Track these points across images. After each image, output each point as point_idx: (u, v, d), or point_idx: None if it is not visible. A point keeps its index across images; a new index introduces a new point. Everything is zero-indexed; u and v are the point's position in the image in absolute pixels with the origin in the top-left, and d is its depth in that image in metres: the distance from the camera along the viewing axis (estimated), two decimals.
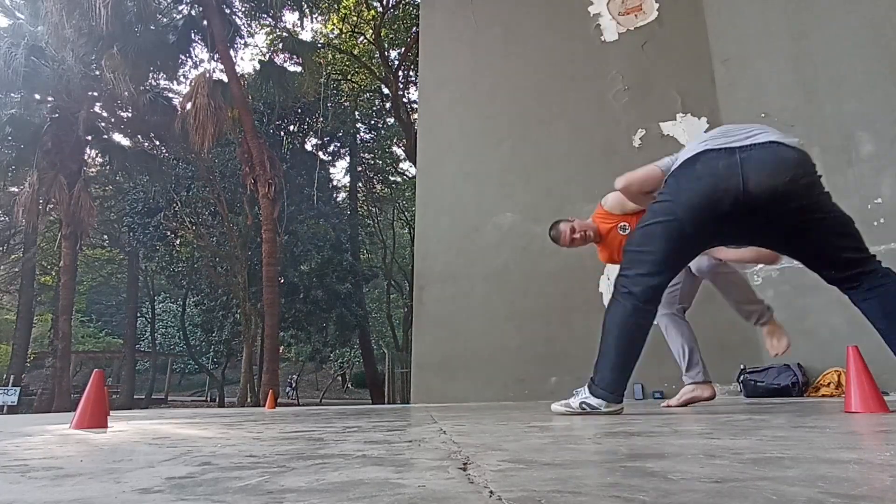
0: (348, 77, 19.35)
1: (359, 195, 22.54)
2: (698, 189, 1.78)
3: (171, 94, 16.15)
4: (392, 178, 23.81)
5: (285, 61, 16.31)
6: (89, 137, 14.65)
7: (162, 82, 16.28)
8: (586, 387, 2.08)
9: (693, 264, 3.03)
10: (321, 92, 15.36)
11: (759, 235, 1.92)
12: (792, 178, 1.74)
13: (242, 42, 16.59)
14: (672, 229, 1.86)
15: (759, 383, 4.32)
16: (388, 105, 19.72)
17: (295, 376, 26.16)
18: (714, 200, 1.76)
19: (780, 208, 1.76)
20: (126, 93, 12.05)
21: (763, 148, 1.76)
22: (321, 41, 17.91)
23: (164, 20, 14.27)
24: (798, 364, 4.25)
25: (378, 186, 23.78)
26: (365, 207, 23.03)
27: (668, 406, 3.13)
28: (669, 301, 3.20)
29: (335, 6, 17.06)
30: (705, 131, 2.15)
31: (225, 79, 13.03)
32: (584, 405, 2.06)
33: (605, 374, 1.99)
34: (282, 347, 17.45)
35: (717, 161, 1.77)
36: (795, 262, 4.81)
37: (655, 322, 3.30)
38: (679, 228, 1.85)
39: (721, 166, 1.75)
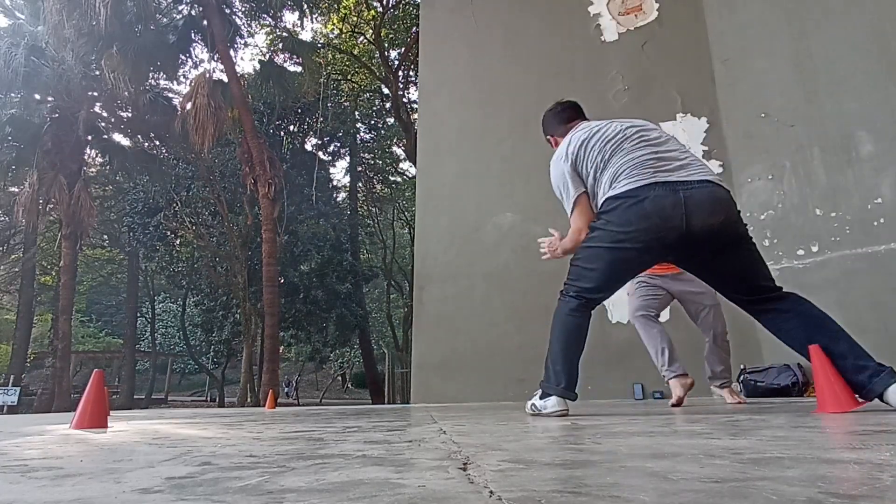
0: (348, 77, 19.35)
1: (359, 195, 22.54)
2: (647, 226, 1.96)
3: (171, 94, 16.16)
4: (392, 178, 23.82)
5: (285, 61, 16.31)
6: (89, 137, 14.65)
7: (162, 82, 16.28)
8: (541, 385, 2.21)
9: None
10: (321, 92, 15.36)
11: (693, 263, 2.15)
12: (726, 217, 1.96)
13: (242, 42, 16.60)
14: (617, 256, 2.05)
15: (759, 383, 4.32)
16: (388, 105, 19.73)
17: (296, 376, 26.16)
18: (661, 237, 1.96)
19: (715, 242, 1.98)
20: (126, 93, 12.06)
21: (702, 187, 1.95)
22: (321, 41, 17.91)
23: (164, 20, 14.27)
24: (798, 364, 4.26)
25: (378, 186, 23.79)
26: (365, 207, 23.03)
27: (677, 405, 3.15)
28: (647, 305, 3.40)
29: (335, 6, 17.06)
30: (625, 134, 2.19)
31: (225, 79, 13.03)
32: (533, 406, 2.22)
33: (550, 369, 2.16)
34: (282, 347, 17.45)
35: (664, 199, 1.94)
36: (796, 262, 4.79)
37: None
38: (624, 256, 2.05)
39: (668, 205, 1.93)
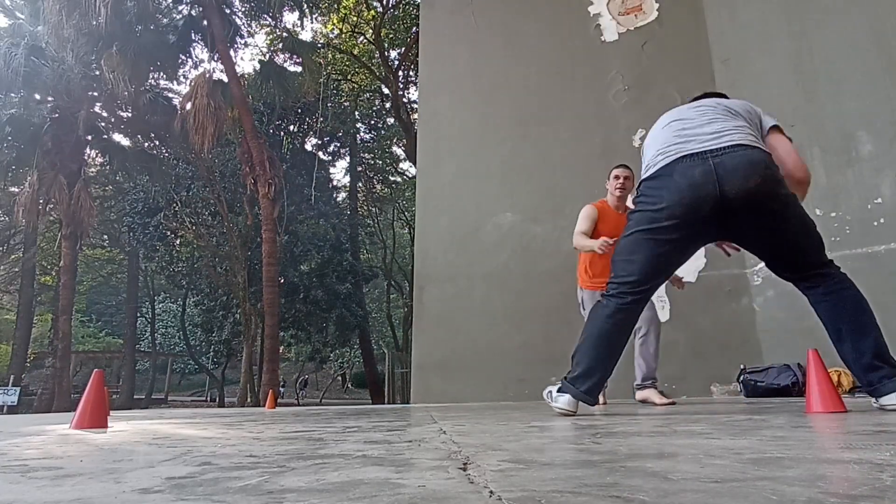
0: (348, 77, 19.34)
1: (359, 195, 22.54)
2: (680, 198, 1.87)
3: (171, 94, 16.16)
4: (392, 178, 23.82)
5: (285, 61, 16.30)
6: (89, 137, 14.65)
7: (162, 82, 16.28)
8: (562, 380, 2.14)
9: None
10: (321, 92, 15.35)
11: (736, 234, 2.02)
12: (763, 179, 1.83)
13: (242, 42, 16.60)
14: (657, 238, 1.95)
15: (759, 383, 4.32)
16: (388, 105, 19.72)
17: (295, 376, 26.14)
18: (695, 207, 1.86)
19: (756, 208, 1.86)
20: (126, 93, 12.06)
21: (734, 152, 1.85)
22: (321, 41, 17.90)
23: (164, 20, 14.27)
24: (798, 364, 4.25)
25: (378, 186, 23.79)
26: (365, 207, 23.03)
27: (663, 404, 3.25)
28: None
29: (335, 6, 17.05)
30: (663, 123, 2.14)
31: (225, 79, 13.03)
32: (549, 393, 2.18)
33: (578, 368, 2.07)
34: (282, 347, 17.45)
35: (693, 169, 1.86)
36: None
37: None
38: (665, 237, 1.94)
39: (698, 174, 1.85)
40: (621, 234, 2.19)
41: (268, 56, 16.81)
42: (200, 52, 15.29)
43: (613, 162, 5.87)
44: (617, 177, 3.54)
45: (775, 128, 2.08)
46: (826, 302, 1.93)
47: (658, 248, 1.97)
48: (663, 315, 5.18)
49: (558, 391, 2.13)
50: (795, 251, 1.93)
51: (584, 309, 3.58)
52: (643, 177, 2.06)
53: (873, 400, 1.90)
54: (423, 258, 6.67)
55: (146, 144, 16.84)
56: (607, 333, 2.03)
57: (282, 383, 24.58)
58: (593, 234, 3.41)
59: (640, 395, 3.49)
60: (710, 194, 1.82)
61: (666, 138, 2.02)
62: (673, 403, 3.29)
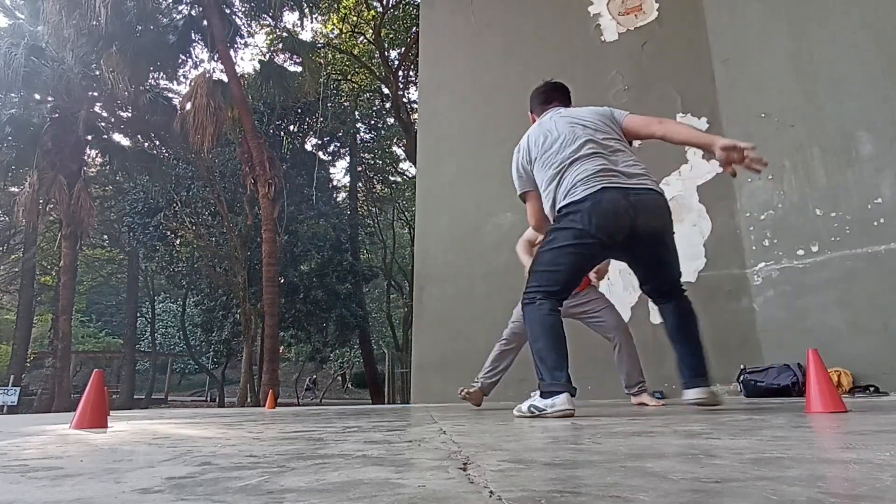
0: (348, 77, 19.34)
1: (359, 195, 22.53)
2: (605, 223, 2.21)
3: (171, 94, 16.17)
4: (392, 178, 23.82)
5: (285, 61, 16.31)
6: (89, 137, 14.65)
7: (162, 82, 16.29)
8: (538, 390, 2.28)
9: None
10: (321, 92, 15.36)
11: (630, 254, 2.44)
12: (663, 222, 2.31)
13: (242, 42, 16.60)
14: (581, 252, 2.29)
15: (759, 383, 4.32)
16: (388, 105, 19.72)
17: (295, 376, 26.13)
18: (613, 233, 2.22)
19: (652, 239, 2.31)
20: (126, 93, 12.06)
21: (648, 194, 2.26)
22: (321, 41, 17.90)
23: (164, 20, 14.27)
24: (798, 364, 4.25)
25: (378, 186, 23.78)
26: (365, 207, 23.02)
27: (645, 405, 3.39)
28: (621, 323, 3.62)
29: (335, 6, 17.05)
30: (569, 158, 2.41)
31: (225, 79, 13.03)
32: (532, 408, 2.23)
33: (546, 370, 2.24)
34: (282, 347, 17.44)
35: (619, 202, 2.20)
36: (796, 262, 4.80)
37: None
38: (587, 252, 2.30)
39: (622, 207, 2.20)
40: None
41: (268, 56, 16.82)
42: (200, 52, 15.31)
43: None
44: None
45: (627, 117, 2.54)
46: (676, 314, 2.43)
47: (580, 260, 2.32)
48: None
49: (544, 397, 2.20)
50: (668, 273, 2.41)
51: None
52: (565, 199, 2.30)
53: (683, 393, 2.40)
54: (423, 258, 6.67)
55: (146, 144, 16.84)
56: (556, 324, 2.29)
57: (312, 381, 24.44)
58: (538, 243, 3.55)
59: (634, 400, 3.58)
60: (626, 225, 2.21)
61: (588, 164, 2.30)
62: (664, 405, 3.34)
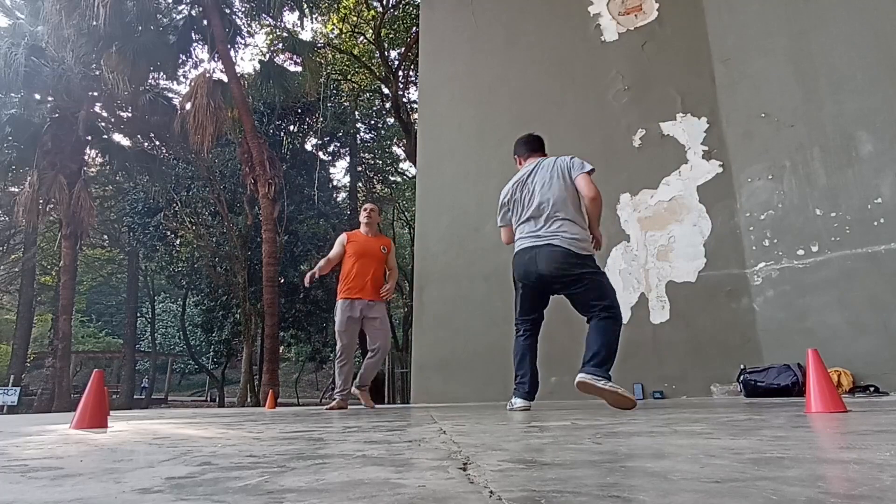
0: (348, 77, 19.33)
1: (359, 195, 22.53)
2: (522, 271, 3.15)
3: (171, 94, 16.18)
4: (392, 178, 23.81)
5: (285, 61, 16.30)
6: (89, 137, 14.65)
7: (162, 82, 16.30)
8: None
9: None
10: (321, 92, 15.35)
11: (553, 291, 3.19)
12: (557, 266, 3.01)
13: (242, 42, 16.59)
14: (523, 291, 3.23)
15: (759, 383, 4.32)
16: (388, 105, 19.71)
17: (295, 376, 26.11)
18: (527, 276, 3.13)
19: (555, 282, 3.08)
20: (126, 93, 12.06)
21: (545, 248, 3.03)
22: (321, 41, 17.90)
23: (164, 20, 14.27)
24: (798, 364, 4.26)
25: (378, 186, 23.78)
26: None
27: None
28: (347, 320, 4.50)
29: (335, 6, 17.04)
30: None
31: (225, 79, 13.03)
32: (509, 404, 3.13)
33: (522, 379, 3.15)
34: (282, 347, 17.44)
35: (526, 255, 3.11)
36: (796, 262, 4.80)
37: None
38: (524, 290, 3.22)
39: (527, 259, 3.10)
40: (366, 252, 4.43)
41: (268, 56, 16.81)
42: (200, 52, 15.32)
43: (613, 162, 5.90)
44: (365, 209, 4.75)
45: (583, 175, 3.07)
46: (593, 325, 3.00)
47: (525, 296, 3.23)
48: (663, 315, 5.18)
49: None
50: (585, 300, 3.03)
51: (336, 316, 4.43)
52: (517, 248, 3.20)
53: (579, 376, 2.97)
54: (423, 258, 6.67)
55: (146, 144, 16.84)
56: (520, 345, 3.25)
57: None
58: (345, 257, 4.49)
59: (354, 391, 4.49)
60: (532, 271, 3.08)
61: (522, 225, 3.19)
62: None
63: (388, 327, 4.59)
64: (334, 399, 4.31)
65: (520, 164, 3.43)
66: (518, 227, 3.22)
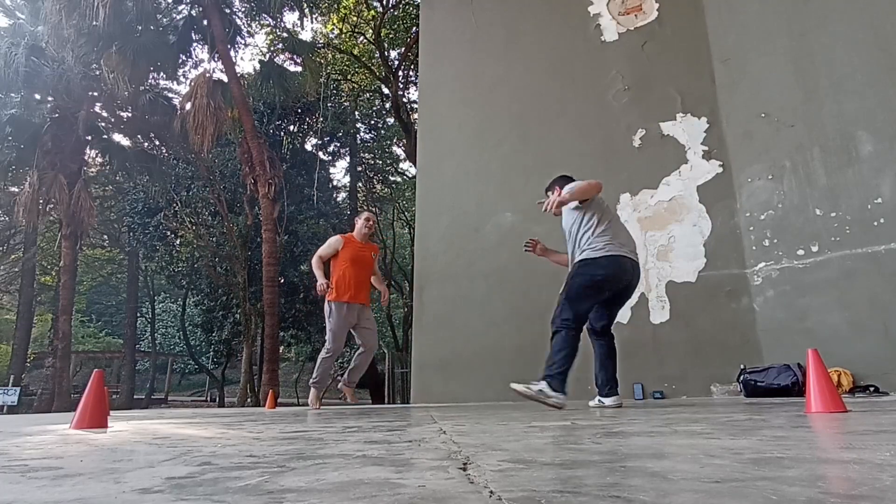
0: (348, 77, 19.32)
1: (359, 195, 22.51)
2: (617, 273, 3.25)
3: (171, 94, 16.16)
4: (392, 178, 23.80)
5: (285, 61, 16.29)
6: (89, 137, 14.64)
7: (162, 82, 16.29)
8: (544, 382, 2.98)
9: None
10: (321, 92, 15.34)
11: (617, 297, 3.39)
12: (633, 276, 3.31)
13: (242, 42, 16.58)
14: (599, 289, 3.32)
15: (759, 383, 4.32)
16: (388, 105, 19.70)
17: (295, 376, 26.07)
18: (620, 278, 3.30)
19: (628, 289, 3.36)
20: (126, 93, 12.06)
21: (629, 259, 3.28)
22: (321, 41, 17.89)
23: (164, 20, 14.27)
24: (798, 364, 4.25)
25: (378, 186, 23.77)
26: (365, 207, 23.02)
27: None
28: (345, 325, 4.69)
29: (335, 6, 17.04)
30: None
31: (225, 79, 13.02)
32: (541, 392, 2.96)
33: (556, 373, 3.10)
34: (282, 347, 17.44)
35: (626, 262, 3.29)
36: (796, 262, 4.80)
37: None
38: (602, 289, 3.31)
39: (626, 265, 3.27)
40: (361, 259, 4.57)
41: (268, 56, 16.79)
42: (200, 52, 15.31)
43: (613, 162, 5.90)
44: (368, 219, 4.81)
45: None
46: (603, 346, 3.42)
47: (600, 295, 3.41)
48: (663, 315, 5.18)
49: (549, 387, 2.98)
50: (616, 313, 3.50)
51: (332, 317, 4.49)
52: (607, 253, 3.25)
53: (598, 400, 3.38)
54: (423, 258, 6.67)
55: (146, 144, 16.83)
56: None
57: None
58: (336, 259, 4.57)
59: (340, 386, 4.85)
60: (625, 274, 3.30)
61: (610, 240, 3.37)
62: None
63: (376, 328, 4.83)
64: (312, 389, 4.59)
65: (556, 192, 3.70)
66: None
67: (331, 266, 4.63)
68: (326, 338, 4.51)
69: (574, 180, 3.49)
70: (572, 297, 3.18)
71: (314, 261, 4.60)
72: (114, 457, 1.13)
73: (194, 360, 24.43)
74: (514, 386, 3.06)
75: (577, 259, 3.29)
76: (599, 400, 3.37)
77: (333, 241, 4.69)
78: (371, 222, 4.81)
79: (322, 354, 4.49)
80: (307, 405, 4.90)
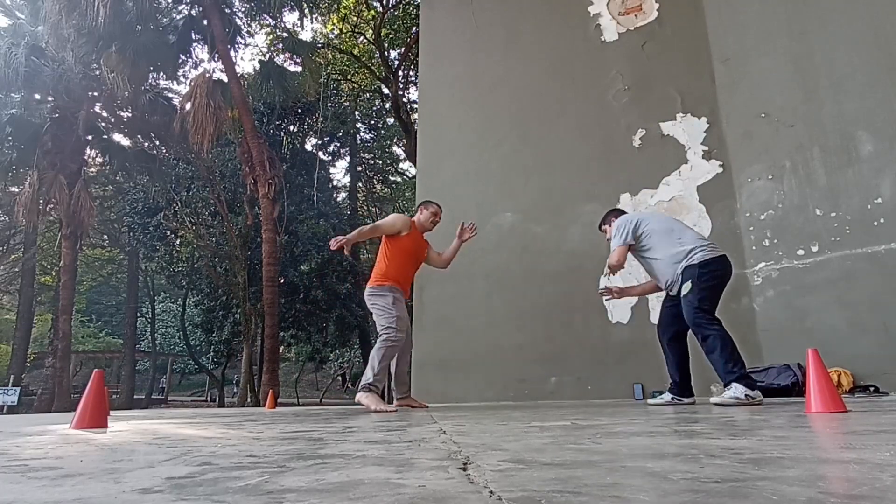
0: (348, 77, 19.33)
1: (359, 195, 22.53)
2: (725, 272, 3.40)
3: (171, 94, 16.17)
4: (392, 178, 23.82)
5: (285, 61, 16.30)
6: (89, 137, 14.64)
7: (162, 82, 16.28)
8: (736, 385, 3.06)
9: None
10: (321, 92, 15.34)
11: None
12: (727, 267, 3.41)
13: (242, 42, 16.58)
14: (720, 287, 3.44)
15: (759, 383, 4.31)
16: (388, 105, 19.70)
17: (295, 376, 26.11)
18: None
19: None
20: (126, 93, 12.05)
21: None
22: (321, 41, 17.90)
23: (164, 20, 14.27)
24: (798, 364, 4.25)
25: (378, 186, 23.78)
26: (365, 207, 23.02)
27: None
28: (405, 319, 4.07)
29: (335, 6, 17.04)
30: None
31: (225, 79, 13.02)
32: (748, 396, 2.97)
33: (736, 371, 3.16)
34: (282, 347, 17.44)
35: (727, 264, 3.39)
36: (796, 262, 4.80)
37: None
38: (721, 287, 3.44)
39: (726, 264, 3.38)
40: (419, 253, 4.10)
41: (268, 56, 16.81)
42: (200, 52, 15.31)
43: (613, 162, 5.90)
44: (436, 213, 4.29)
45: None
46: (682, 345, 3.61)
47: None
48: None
49: (747, 388, 3.04)
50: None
51: (389, 302, 3.79)
52: (706, 258, 3.35)
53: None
54: None
55: (146, 144, 16.83)
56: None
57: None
58: (395, 242, 3.92)
59: (398, 402, 4.08)
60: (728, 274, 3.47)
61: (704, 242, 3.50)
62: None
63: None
64: (369, 392, 3.54)
65: (610, 225, 3.77)
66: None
67: (383, 244, 3.95)
68: (387, 325, 3.66)
69: (623, 212, 3.76)
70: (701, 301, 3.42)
71: (366, 228, 3.94)
72: (114, 457, 1.13)
73: (194, 360, 24.43)
74: (714, 400, 3.19)
75: (678, 272, 3.44)
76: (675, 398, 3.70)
77: (400, 223, 3.94)
78: (438, 217, 4.26)
79: (385, 344, 3.63)
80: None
